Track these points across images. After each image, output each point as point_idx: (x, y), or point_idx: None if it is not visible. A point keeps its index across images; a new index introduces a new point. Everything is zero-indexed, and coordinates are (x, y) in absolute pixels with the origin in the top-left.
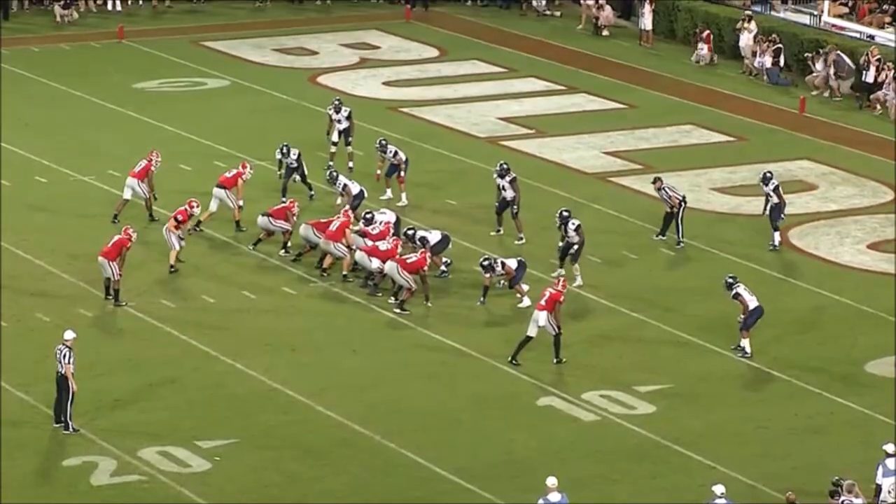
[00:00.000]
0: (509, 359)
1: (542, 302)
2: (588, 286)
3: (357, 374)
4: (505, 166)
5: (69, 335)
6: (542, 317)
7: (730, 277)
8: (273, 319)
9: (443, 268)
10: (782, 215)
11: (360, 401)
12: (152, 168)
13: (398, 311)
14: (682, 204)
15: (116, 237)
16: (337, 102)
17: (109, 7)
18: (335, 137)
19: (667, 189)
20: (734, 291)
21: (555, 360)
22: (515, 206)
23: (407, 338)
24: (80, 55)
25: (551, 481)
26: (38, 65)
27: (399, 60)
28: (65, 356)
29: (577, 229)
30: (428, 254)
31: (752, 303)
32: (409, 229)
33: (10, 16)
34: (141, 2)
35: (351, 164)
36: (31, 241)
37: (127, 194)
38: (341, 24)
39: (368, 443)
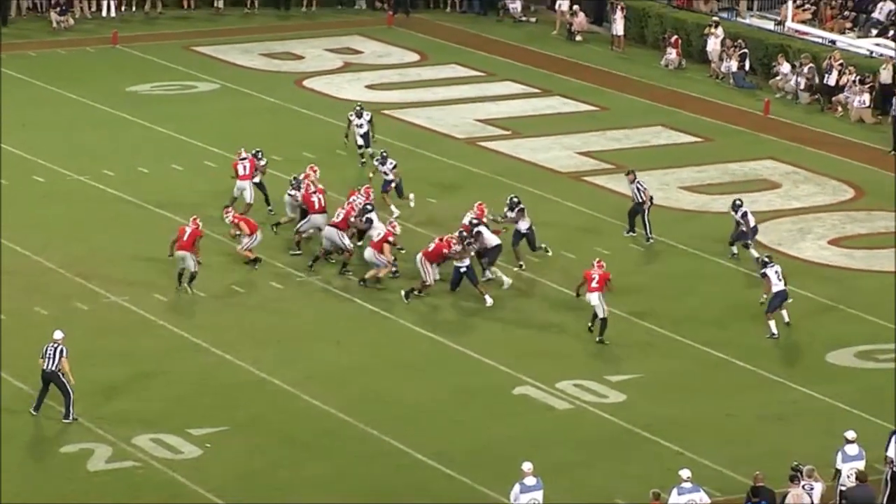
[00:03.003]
0: (597, 340)
1: (594, 284)
2: (562, 281)
3: (341, 366)
4: (515, 199)
5: (58, 335)
6: (594, 298)
7: (766, 256)
8: (260, 313)
9: (393, 268)
10: (749, 241)
11: (344, 391)
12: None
13: (406, 299)
14: (650, 202)
15: (189, 229)
16: (359, 108)
17: (104, 13)
18: (360, 141)
19: (640, 183)
20: (763, 271)
21: (597, 339)
22: (535, 244)
23: (389, 330)
24: (75, 59)
25: (527, 466)
26: (35, 69)
27: (381, 65)
28: (58, 352)
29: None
30: (447, 236)
31: (777, 287)
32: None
33: (8, 22)
34: (134, 8)
35: (363, 161)
36: (29, 238)
37: (247, 197)
38: (326, 30)
39: (352, 431)
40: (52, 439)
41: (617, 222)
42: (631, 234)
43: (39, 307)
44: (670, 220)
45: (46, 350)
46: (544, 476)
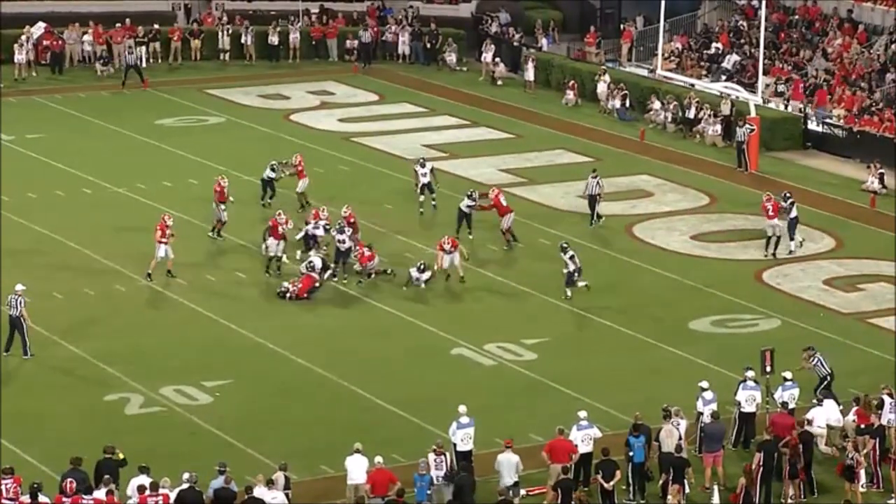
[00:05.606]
0: (768, 255)
1: (770, 213)
2: (489, 267)
3: (321, 333)
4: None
5: (19, 287)
6: (774, 222)
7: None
8: (259, 293)
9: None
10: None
11: (324, 352)
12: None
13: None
14: (601, 196)
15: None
16: (422, 160)
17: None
18: (420, 188)
19: (600, 179)
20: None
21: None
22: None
23: (358, 306)
24: (115, 100)
25: (462, 408)
26: (84, 107)
27: (350, 103)
28: (19, 302)
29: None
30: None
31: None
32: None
33: (63, 71)
34: (160, 60)
35: (434, 203)
36: (78, 235)
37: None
38: (307, 77)
39: (330, 383)
40: (98, 391)
41: (527, 222)
42: (595, 222)
43: (87, 289)
44: (572, 221)
45: (11, 300)
46: (475, 417)
